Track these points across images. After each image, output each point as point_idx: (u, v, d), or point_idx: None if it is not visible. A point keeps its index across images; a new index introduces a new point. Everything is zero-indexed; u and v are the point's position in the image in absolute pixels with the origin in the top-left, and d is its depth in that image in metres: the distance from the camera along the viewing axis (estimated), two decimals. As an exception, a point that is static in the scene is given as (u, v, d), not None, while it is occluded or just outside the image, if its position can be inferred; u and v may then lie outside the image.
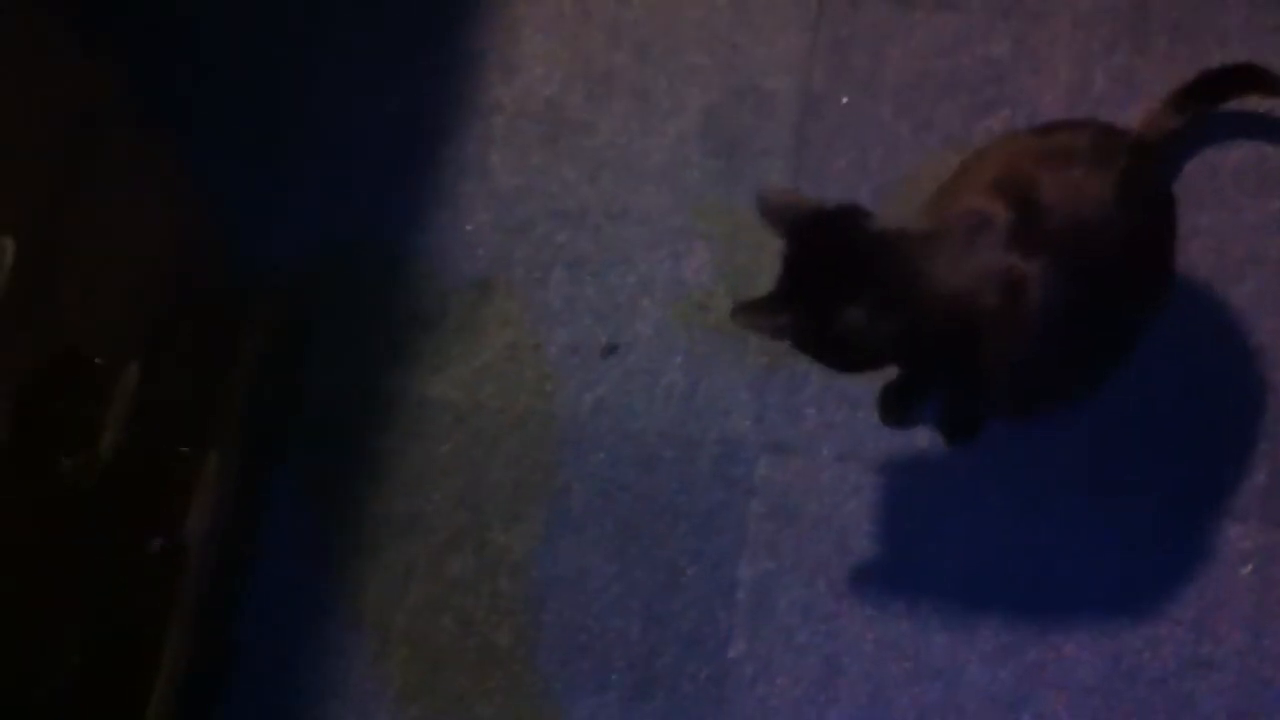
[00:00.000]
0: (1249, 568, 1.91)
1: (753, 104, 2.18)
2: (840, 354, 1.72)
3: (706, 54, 2.20)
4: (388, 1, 2.26)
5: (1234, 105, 2.06)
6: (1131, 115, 2.04)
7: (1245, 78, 2.06)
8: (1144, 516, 1.96)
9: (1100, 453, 1.99)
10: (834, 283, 1.64)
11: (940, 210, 1.78)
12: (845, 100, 2.17)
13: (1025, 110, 2.13)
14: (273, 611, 2.02)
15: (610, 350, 2.08)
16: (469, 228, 2.15)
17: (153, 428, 1.74)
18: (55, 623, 1.67)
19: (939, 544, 1.98)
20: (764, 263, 2.05)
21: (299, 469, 2.08)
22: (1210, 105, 2.01)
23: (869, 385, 2.02)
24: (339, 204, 2.18)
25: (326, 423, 2.10)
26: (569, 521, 2.03)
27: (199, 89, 2.20)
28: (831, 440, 2.03)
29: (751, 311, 1.67)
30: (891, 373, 2.00)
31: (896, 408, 2.03)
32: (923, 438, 2.02)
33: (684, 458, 2.04)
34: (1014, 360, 1.69)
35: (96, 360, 1.65)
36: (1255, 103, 2.07)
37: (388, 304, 2.13)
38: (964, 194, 1.77)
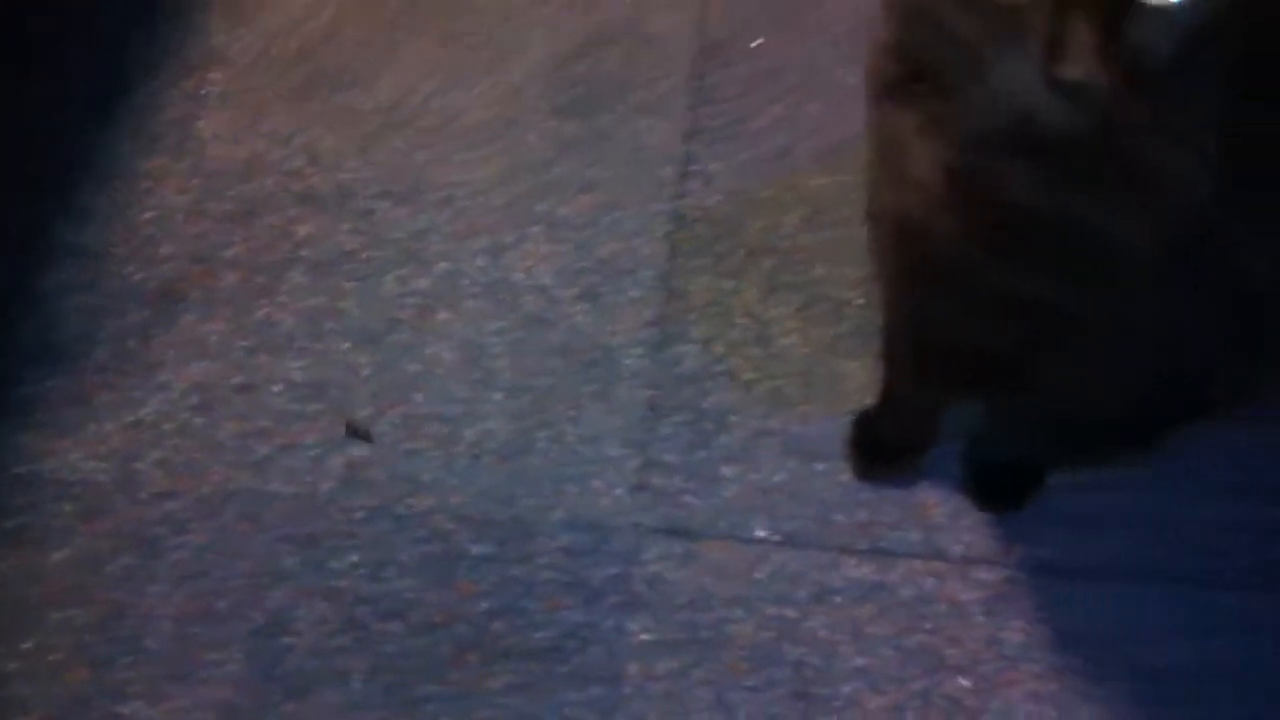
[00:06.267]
0: None
1: (623, 52, 1.52)
2: None
3: (546, -7, 1.57)
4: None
5: None
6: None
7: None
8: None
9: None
10: None
11: None
12: (759, 43, 1.52)
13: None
14: None
15: (355, 434, 1.29)
16: (149, 215, 1.40)
17: None
18: None
19: (968, 687, 1.14)
20: (642, 253, 1.35)
21: None
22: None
23: (829, 425, 1.25)
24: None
25: None
26: (281, 680, 1.15)
27: None
28: (770, 515, 1.23)
29: None
30: (867, 393, 1.24)
31: (880, 448, 1.26)
32: (933, 504, 1.23)
33: (504, 555, 1.21)
34: None
35: None
36: None
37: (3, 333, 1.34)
38: None
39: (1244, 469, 1.26)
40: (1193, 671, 1.17)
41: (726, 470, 1.27)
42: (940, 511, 1.25)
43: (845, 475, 1.27)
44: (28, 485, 1.27)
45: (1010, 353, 1.14)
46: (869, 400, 1.28)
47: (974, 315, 1.11)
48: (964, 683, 1.17)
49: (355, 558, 1.23)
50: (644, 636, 1.19)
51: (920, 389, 1.26)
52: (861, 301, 1.35)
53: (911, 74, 0.93)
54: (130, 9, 1.58)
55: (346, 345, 1.35)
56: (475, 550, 1.23)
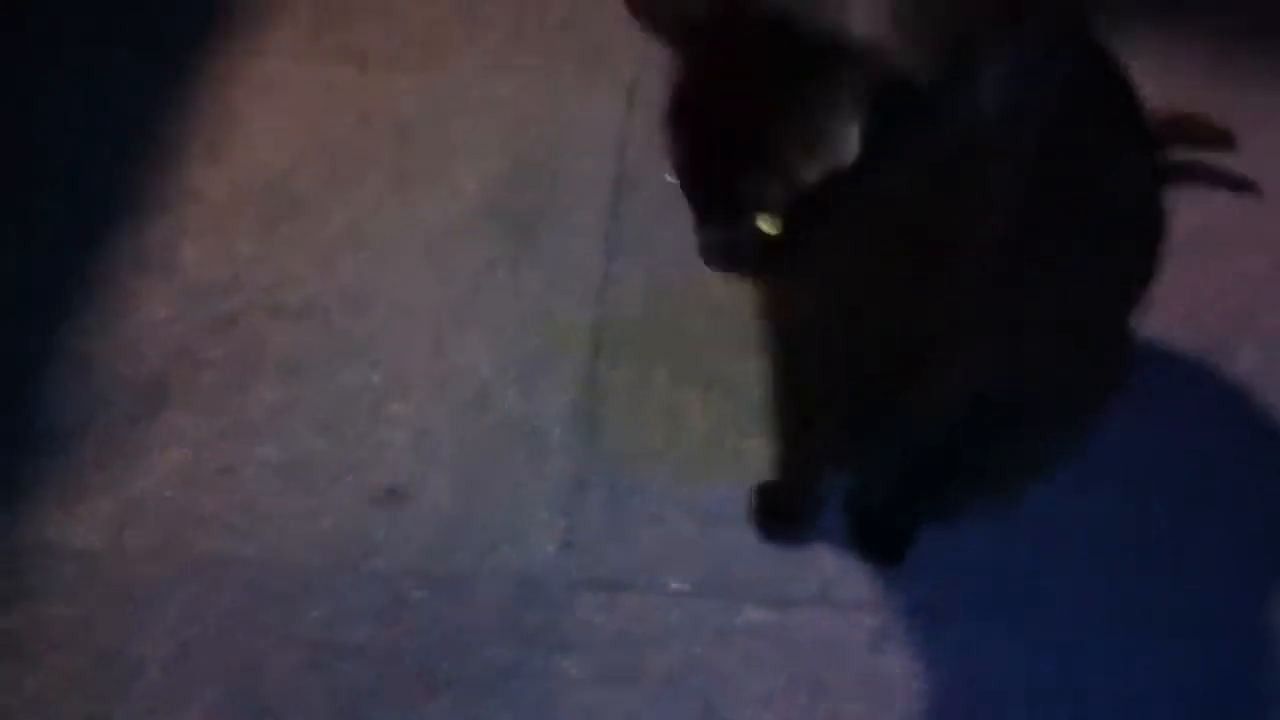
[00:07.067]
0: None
1: (548, 183, 1.76)
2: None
3: (486, 134, 1.82)
4: (62, 96, 1.85)
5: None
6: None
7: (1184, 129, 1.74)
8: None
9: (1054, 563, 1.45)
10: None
11: None
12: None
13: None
14: None
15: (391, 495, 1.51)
16: (137, 324, 1.61)
17: None
18: None
19: (854, 709, 1.33)
20: (567, 348, 1.58)
21: None
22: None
23: (734, 492, 1.46)
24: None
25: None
26: (253, 712, 1.33)
27: None
28: (683, 567, 1.43)
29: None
30: (766, 464, 1.46)
31: (779, 513, 1.47)
32: (825, 558, 1.43)
33: (446, 601, 1.40)
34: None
35: None
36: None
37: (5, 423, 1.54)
38: None
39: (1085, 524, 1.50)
40: (1028, 686, 1.37)
41: (643, 531, 1.48)
42: (831, 565, 1.46)
43: (749, 535, 1.47)
44: (31, 551, 1.45)
45: (858, 414, 1.36)
46: (767, 470, 1.50)
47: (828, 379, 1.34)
48: (850, 705, 1.37)
49: (317, 612, 1.41)
50: (572, 672, 1.38)
51: (804, 457, 1.48)
52: (759, 389, 1.58)
53: None
54: (118, 154, 1.81)
55: (311, 432, 1.55)
56: (421, 598, 1.42)
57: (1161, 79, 1.78)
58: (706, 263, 1.04)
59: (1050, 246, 1.16)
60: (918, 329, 1.18)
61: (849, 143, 0.96)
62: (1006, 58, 1.04)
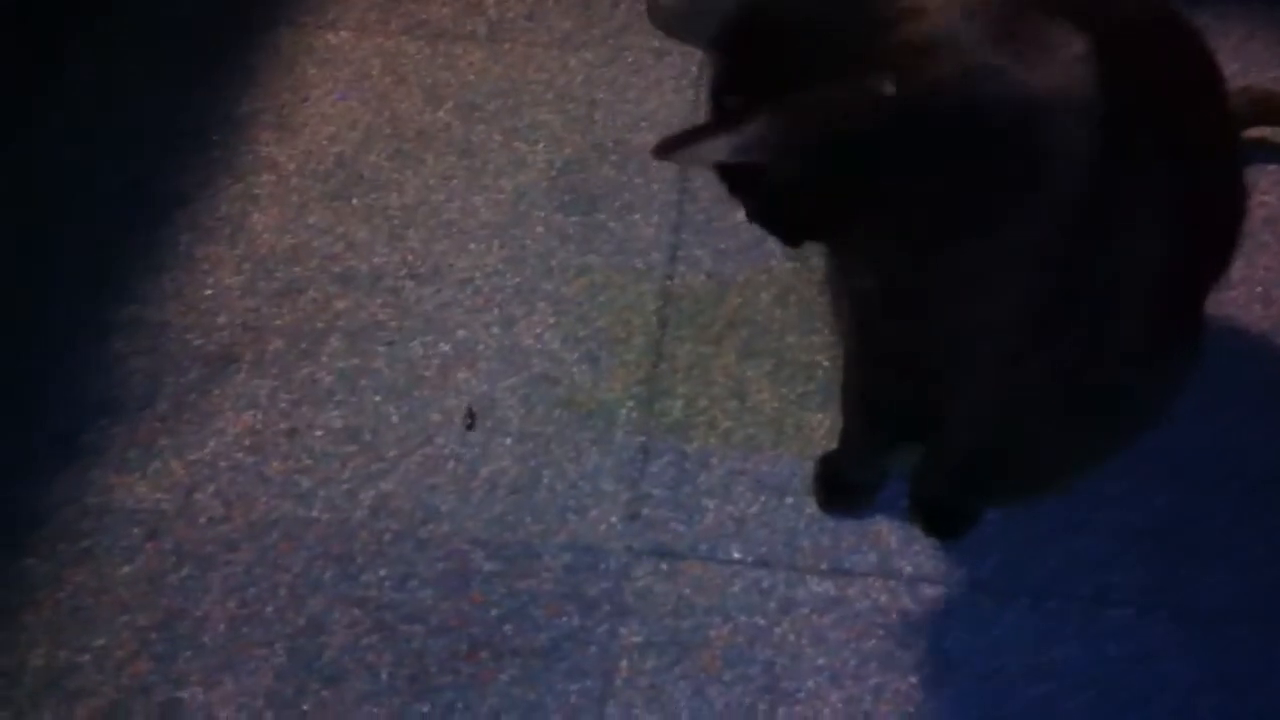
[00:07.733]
0: None
1: (617, 160, 1.76)
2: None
3: (555, 112, 1.82)
4: (135, 68, 1.87)
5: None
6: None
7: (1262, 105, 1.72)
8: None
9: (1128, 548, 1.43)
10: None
11: None
12: (741, 151, 1.77)
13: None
14: None
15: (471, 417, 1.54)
16: (207, 293, 1.63)
17: None
18: None
19: (914, 684, 1.33)
20: (634, 324, 1.57)
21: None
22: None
23: (796, 466, 1.46)
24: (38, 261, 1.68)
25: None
26: (318, 671, 1.33)
27: None
28: (745, 540, 1.43)
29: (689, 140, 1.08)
30: (830, 440, 1.45)
31: (840, 485, 1.46)
32: (886, 531, 1.42)
33: (512, 571, 1.41)
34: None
35: None
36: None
37: (67, 386, 1.55)
38: None
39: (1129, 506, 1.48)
40: (1089, 669, 1.36)
41: (707, 503, 1.47)
42: (893, 538, 1.45)
43: (810, 508, 1.47)
44: (98, 513, 1.47)
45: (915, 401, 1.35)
46: (832, 445, 1.50)
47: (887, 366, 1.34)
48: (912, 680, 1.36)
49: (383, 572, 1.42)
50: (633, 639, 1.38)
51: (868, 432, 1.47)
52: (826, 364, 1.57)
53: None
54: (190, 124, 1.84)
55: (378, 398, 1.56)
56: (487, 567, 1.43)
57: (1240, 57, 1.80)
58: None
59: (1096, 246, 1.13)
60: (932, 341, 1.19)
61: (840, 146, 1.00)
62: (1064, 52, 1.04)
